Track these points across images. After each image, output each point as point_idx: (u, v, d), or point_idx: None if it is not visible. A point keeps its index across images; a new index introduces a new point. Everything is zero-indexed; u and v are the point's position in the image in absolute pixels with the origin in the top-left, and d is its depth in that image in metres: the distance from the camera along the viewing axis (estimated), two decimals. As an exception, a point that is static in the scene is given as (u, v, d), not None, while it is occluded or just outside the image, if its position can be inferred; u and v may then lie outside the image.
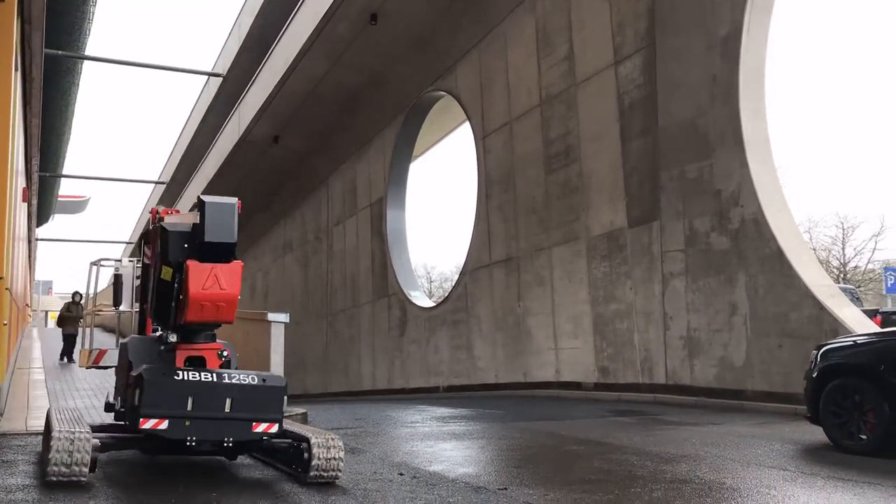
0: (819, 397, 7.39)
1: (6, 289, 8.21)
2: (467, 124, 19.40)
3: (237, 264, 5.82)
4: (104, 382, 12.87)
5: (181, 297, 5.53)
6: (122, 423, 5.92)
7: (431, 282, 60.28)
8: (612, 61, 14.13)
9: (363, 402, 16.19)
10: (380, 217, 22.77)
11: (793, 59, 59.32)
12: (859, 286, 33.41)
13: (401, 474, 5.98)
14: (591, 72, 14.65)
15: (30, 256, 32.25)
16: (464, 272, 19.23)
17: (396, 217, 22.53)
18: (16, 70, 9.26)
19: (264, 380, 5.64)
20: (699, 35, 12.40)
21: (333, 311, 26.28)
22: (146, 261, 6.53)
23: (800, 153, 57.27)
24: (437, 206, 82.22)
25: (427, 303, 21.82)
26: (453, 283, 21.94)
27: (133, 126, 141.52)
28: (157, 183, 44.30)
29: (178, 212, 6.64)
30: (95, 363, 8.74)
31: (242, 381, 5.49)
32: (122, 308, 7.71)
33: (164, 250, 5.76)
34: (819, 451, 7.17)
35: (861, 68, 59.63)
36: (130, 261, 7.97)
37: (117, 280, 7.48)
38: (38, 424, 8.20)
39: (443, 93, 20.28)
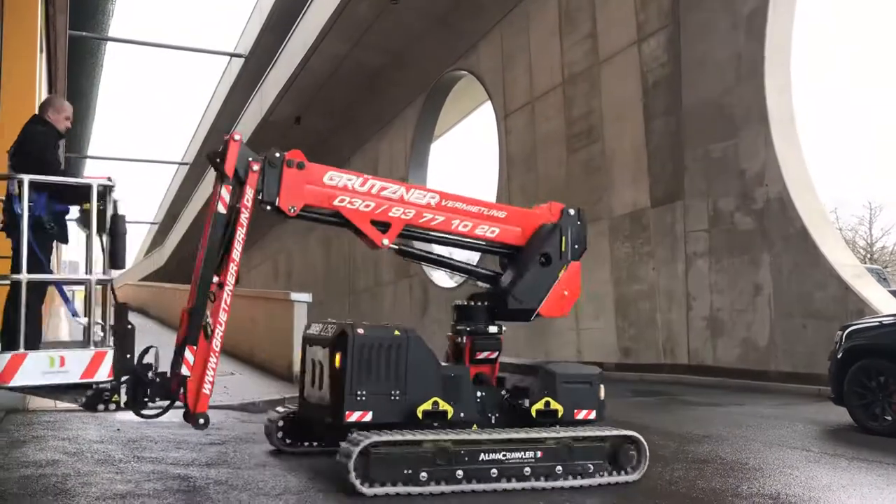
0: (843, 378, 7.33)
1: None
2: (489, 104, 19.30)
3: None
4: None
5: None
6: None
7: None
8: (636, 39, 13.97)
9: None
10: (401, 197, 22.74)
11: (820, 34, 58.28)
12: (886, 266, 32.96)
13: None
14: (615, 50, 14.50)
15: (57, 237, 32.68)
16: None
17: (418, 197, 22.48)
18: (41, 52, 9.35)
19: None
20: (724, 12, 12.21)
21: (356, 291, 26.41)
22: None
23: (827, 132, 56.36)
24: (459, 187, 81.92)
25: (449, 283, 21.85)
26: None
27: (156, 107, 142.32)
28: (180, 164, 44.58)
29: None
30: None
31: None
32: None
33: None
34: (843, 432, 7.13)
35: (890, 48, 58.47)
36: None
37: None
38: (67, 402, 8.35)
39: (464, 72, 20.17)
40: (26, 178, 4.73)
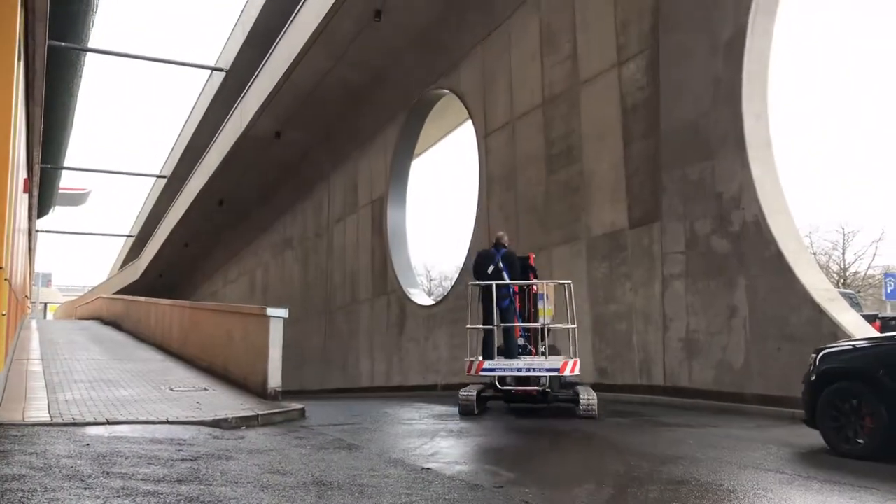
0: (817, 401, 7.38)
1: (5, 279, 8.20)
2: (469, 123, 19.38)
3: None
4: (101, 375, 12.88)
5: None
6: None
7: (431, 280, 60.30)
8: (616, 62, 14.12)
9: (361, 399, 16.19)
10: (380, 214, 22.77)
11: (796, 62, 59.25)
12: (859, 291, 33.38)
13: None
14: (595, 72, 14.64)
15: (30, 248, 32.24)
16: (464, 271, 19.21)
17: (397, 215, 22.52)
18: (19, 60, 9.25)
19: None
20: (703, 37, 12.38)
21: (333, 308, 26.28)
22: None
23: (802, 157, 57.19)
24: (438, 205, 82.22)
25: (426, 301, 21.81)
26: (453, 282, 21.92)
27: (135, 119, 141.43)
28: (158, 177, 44.29)
29: None
30: None
31: None
32: None
33: None
34: (816, 454, 7.16)
35: (864, 73, 59.55)
36: None
37: None
38: (36, 416, 8.22)
39: (445, 91, 20.26)
40: None
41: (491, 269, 9.96)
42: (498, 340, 10.31)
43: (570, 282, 10.85)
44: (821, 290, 10.70)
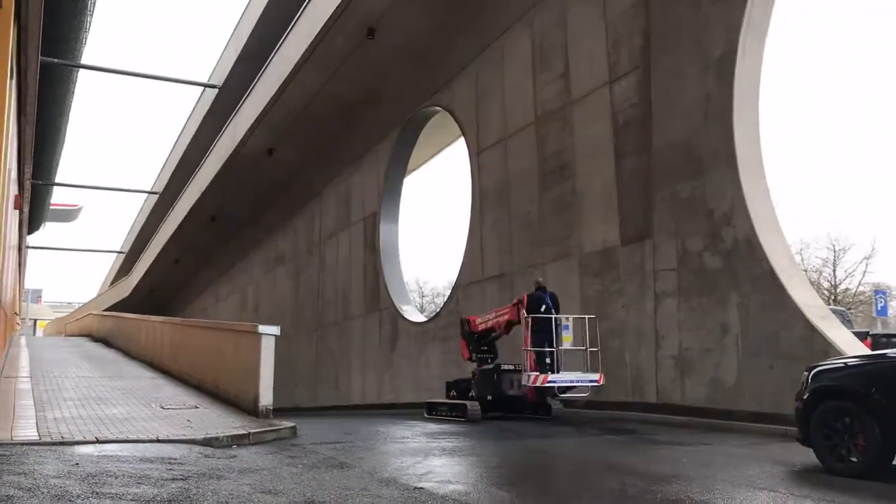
0: (810, 419, 7.37)
1: (-5, 296, 8.16)
2: (462, 140, 19.44)
3: None
4: (91, 392, 12.78)
5: None
6: None
7: (423, 297, 60.24)
8: (608, 80, 14.21)
9: (353, 417, 16.09)
10: (373, 231, 22.77)
11: (793, 61, 59.77)
12: (850, 308, 33.51)
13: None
14: (587, 90, 14.72)
15: (20, 264, 32.07)
16: (456, 287, 19.20)
17: (389, 231, 22.53)
18: (11, 77, 9.25)
19: None
20: (694, 55, 12.48)
21: (324, 325, 26.20)
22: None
23: (793, 174, 57.56)
24: (431, 222, 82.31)
25: (419, 318, 21.77)
26: (445, 299, 21.91)
27: (127, 136, 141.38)
28: (150, 193, 44.21)
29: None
30: None
31: None
32: None
33: None
34: (809, 473, 7.15)
35: (855, 90, 60.12)
36: None
37: None
38: (24, 434, 8.14)
39: (438, 108, 20.34)
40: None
41: (543, 308, 12.45)
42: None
43: (594, 316, 12.91)
44: (812, 307, 10.74)
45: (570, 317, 12.85)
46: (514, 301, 13.01)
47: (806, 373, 7.72)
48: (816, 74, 62.54)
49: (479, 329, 13.84)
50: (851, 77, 60.43)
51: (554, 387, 12.15)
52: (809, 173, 58.35)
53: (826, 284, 39.59)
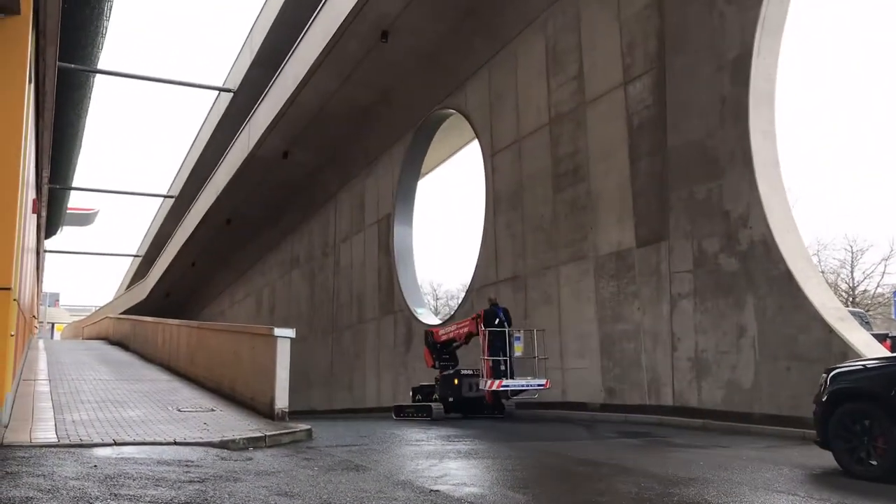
0: (828, 421, 7.31)
1: (14, 300, 8.22)
2: (476, 142, 19.44)
3: None
4: (108, 395, 12.86)
5: None
6: None
7: (438, 299, 60.21)
8: (622, 81, 14.17)
9: (368, 419, 16.10)
10: (387, 233, 22.80)
11: (803, 77, 59.40)
12: (868, 310, 33.17)
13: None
14: (601, 91, 14.69)
15: (38, 268, 32.34)
16: (470, 290, 19.20)
17: (404, 233, 22.56)
18: (29, 82, 9.33)
19: None
20: (709, 56, 12.42)
21: (339, 327, 26.25)
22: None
23: (809, 175, 57.14)
24: (445, 224, 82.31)
25: (433, 320, 21.77)
26: (460, 301, 21.90)
27: (143, 140, 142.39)
28: (165, 197, 44.48)
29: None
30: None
31: None
32: None
33: None
34: (828, 476, 7.09)
35: (872, 88, 59.63)
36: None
37: None
38: (43, 437, 8.20)
39: (452, 110, 20.35)
40: None
41: (497, 321, 14.09)
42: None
43: (544, 329, 14.87)
44: (830, 308, 10.65)
45: (522, 329, 14.63)
46: (474, 315, 14.59)
47: (824, 375, 7.66)
48: (827, 67, 62.14)
49: (442, 339, 15.43)
50: (862, 70, 59.97)
51: (507, 390, 13.82)
52: (822, 167, 57.86)
53: (844, 286, 39.22)
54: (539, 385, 13.84)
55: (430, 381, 15.82)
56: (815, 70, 61.27)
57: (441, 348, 15.45)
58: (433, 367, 15.50)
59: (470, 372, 14.61)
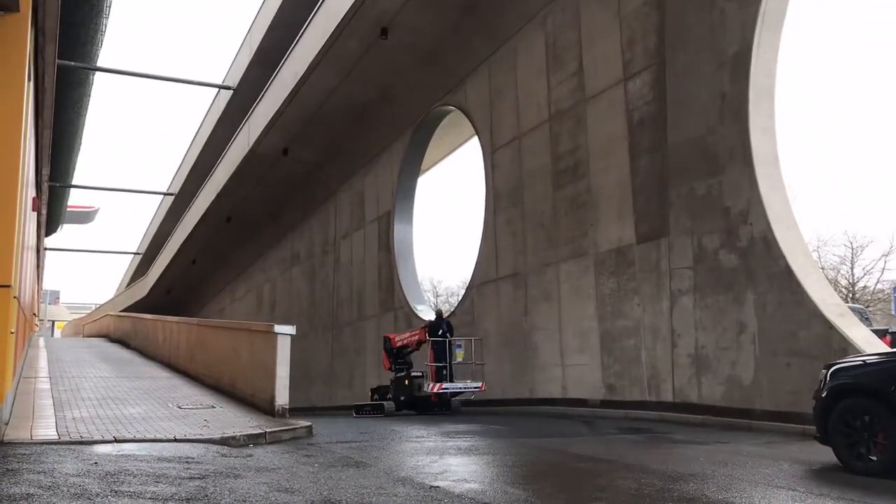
0: (828, 417, 7.32)
1: (14, 297, 8.22)
2: (476, 139, 19.44)
3: None
4: (109, 392, 12.87)
5: None
6: None
7: (438, 296, 60.20)
8: (622, 77, 14.16)
9: (368, 416, 16.13)
10: (387, 230, 22.80)
11: (803, 75, 59.34)
12: (868, 306, 33.18)
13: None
14: (601, 88, 14.68)
15: (38, 266, 32.35)
16: (470, 287, 19.21)
17: (404, 230, 22.56)
18: (29, 80, 9.32)
19: None
20: (709, 53, 12.41)
21: (339, 324, 26.26)
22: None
23: (809, 171, 57.14)
24: (445, 221, 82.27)
25: (433, 317, 21.75)
26: (460, 298, 21.91)
27: (143, 137, 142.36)
28: (165, 194, 44.47)
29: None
30: None
31: None
32: None
33: None
34: (828, 471, 7.10)
35: (872, 86, 59.57)
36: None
37: None
38: (44, 434, 8.21)
39: (452, 107, 20.34)
40: None
41: (440, 332, 15.94)
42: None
43: (480, 337, 16.85)
44: (830, 305, 10.65)
45: (462, 338, 16.50)
46: (423, 325, 16.51)
47: (824, 371, 7.67)
48: (827, 64, 62.08)
49: (397, 345, 16.81)
50: (863, 67, 59.92)
51: (447, 392, 15.44)
52: (821, 165, 57.85)
53: (844, 282, 39.23)
54: (475, 387, 15.47)
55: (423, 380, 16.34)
56: (816, 67, 61.25)
57: (397, 353, 16.81)
58: (389, 369, 16.89)
59: (420, 374, 16.10)
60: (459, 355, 16.04)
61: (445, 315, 17.71)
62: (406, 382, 16.07)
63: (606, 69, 14.56)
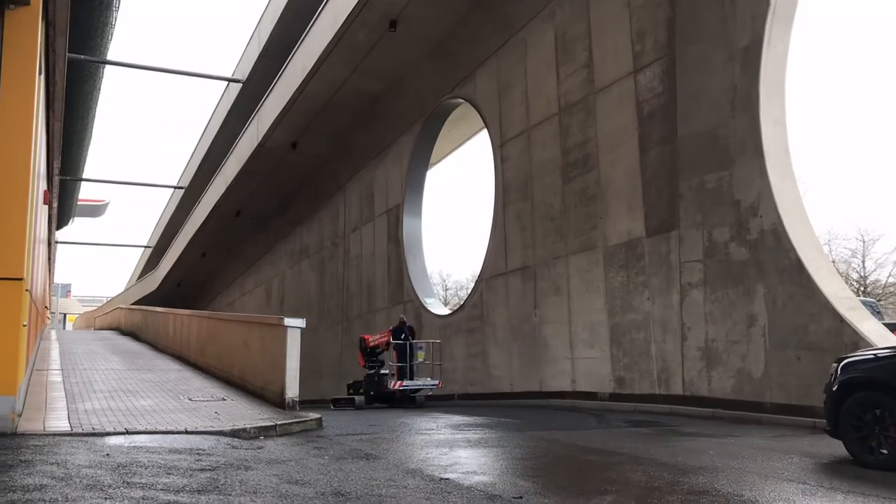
0: (839, 410, 7.29)
1: (26, 290, 8.27)
2: (485, 132, 19.41)
3: None
4: (120, 385, 12.95)
5: None
6: None
7: (447, 289, 60.21)
8: (632, 70, 14.10)
9: (378, 409, 16.18)
10: (396, 223, 22.82)
11: (813, 68, 58.93)
12: (879, 300, 33.00)
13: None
14: (611, 80, 14.63)
15: (49, 259, 32.52)
16: (480, 280, 19.21)
17: (413, 224, 22.57)
18: (39, 74, 9.36)
19: None
20: (719, 45, 12.34)
21: (349, 317, 26.32)
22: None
23: (820, 164, 56.78)
24: (454, 214, 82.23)
25: (442, 310, 21.80)
26: (469, 291, 21.91)
27: (153, 131, 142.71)
28: (175, 188, 44.61)
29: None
30: None
31: None
32: None
33: None
34: (839, 465, 7.08)
35: (884, 79, 59.10)
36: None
37: None
38: (56, 425, 8.28)
39: (461, 100, 20.31)
40: None
41: (403, 336, 17.63)
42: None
43: (439, 341, 18.77)
44: (841, 298, 10.61)
45: (423, 341, 18.35)
46: (390, 328, 17.99)
47: (835, 364, 7.64)
48: (839, 58, 61.59)
49: (370, 345, 18.07)
50: (874, 61, 59.43)
51: (407, 389, 17.02)
52: (832, 158, 57.51)
53: (855, 276, 39.01)
54: (433, 385, 17.21)
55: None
56: (828, 60, 60.78)
57: (370, 352, 18.07)
58: (364, 367, 18.12)
59: (387, 372, 17.64)
60: (420, 356, 17.87)
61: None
62: (375, 379, 17.51)
63: (616, 61, 14.50)
